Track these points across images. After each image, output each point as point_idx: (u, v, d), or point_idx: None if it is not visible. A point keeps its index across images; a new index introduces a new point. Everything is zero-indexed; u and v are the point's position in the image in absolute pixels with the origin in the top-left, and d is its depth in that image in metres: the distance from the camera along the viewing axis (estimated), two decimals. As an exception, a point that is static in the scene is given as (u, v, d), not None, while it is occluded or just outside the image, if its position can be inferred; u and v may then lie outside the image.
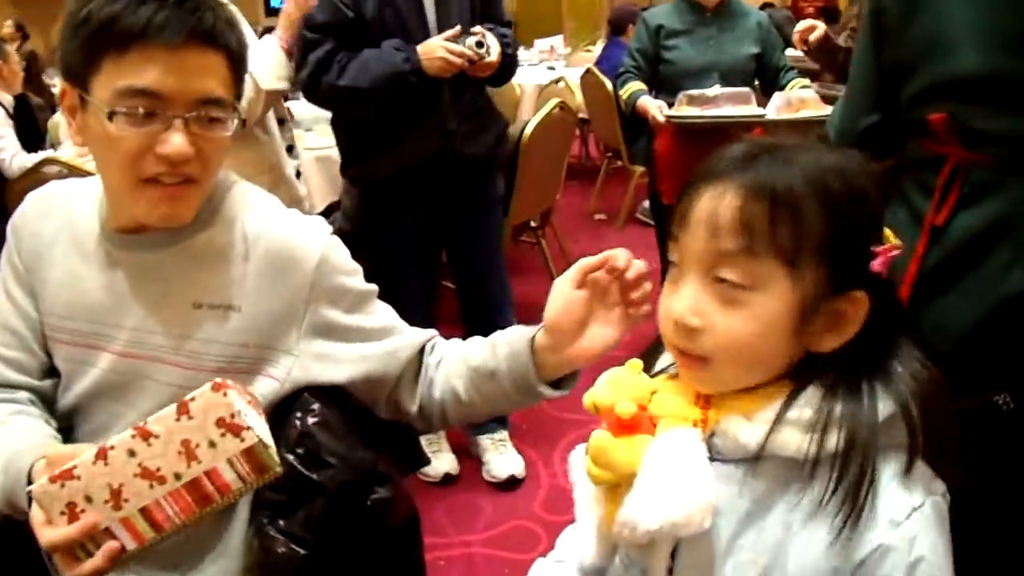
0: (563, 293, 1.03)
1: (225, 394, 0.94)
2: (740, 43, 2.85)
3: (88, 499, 0.94)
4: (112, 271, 1.15)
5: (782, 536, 0.75)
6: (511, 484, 2.57)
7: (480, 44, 2.15)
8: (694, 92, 2.75)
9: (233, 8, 1.14)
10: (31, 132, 4.38)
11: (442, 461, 2.58)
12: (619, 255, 1.00)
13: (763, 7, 4.80)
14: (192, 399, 0.95)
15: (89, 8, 1.01)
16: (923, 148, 1.30)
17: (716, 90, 2.74)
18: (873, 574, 0.73)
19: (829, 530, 0.73)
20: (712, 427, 0.78)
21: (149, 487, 0.94)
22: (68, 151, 3.68)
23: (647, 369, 0.88)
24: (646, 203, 5.25)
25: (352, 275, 1.19)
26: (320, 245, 1.15)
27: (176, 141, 1.02)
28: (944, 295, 1.26)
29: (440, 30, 2.21)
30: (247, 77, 2.06)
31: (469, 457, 2.70)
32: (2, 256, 1.22)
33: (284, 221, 1.18)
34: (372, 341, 1.18)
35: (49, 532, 0.95)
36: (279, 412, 1.14)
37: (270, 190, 1.25)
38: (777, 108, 2.69)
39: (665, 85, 2.92)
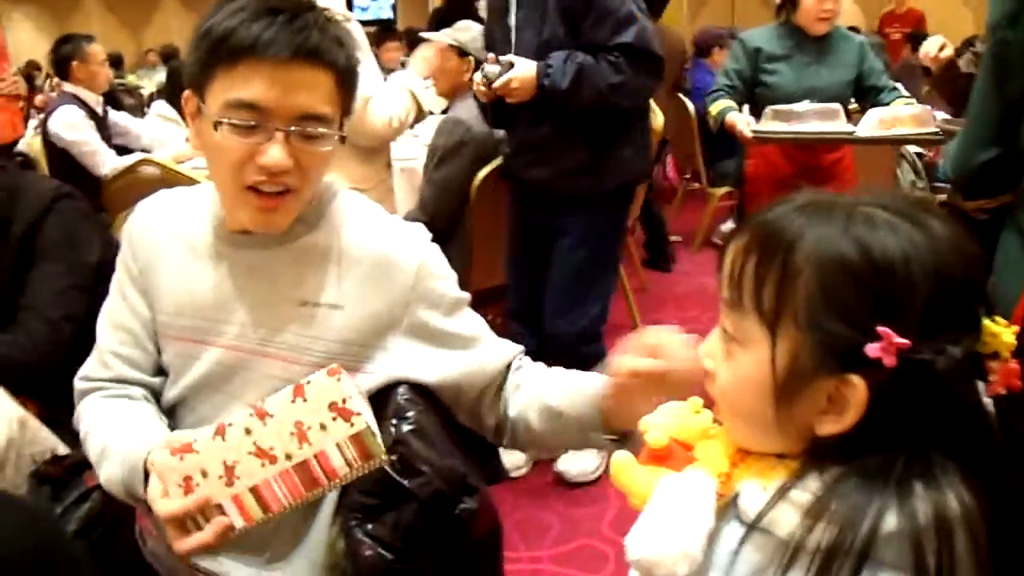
0: (616, 379, 1.05)
1: (339, 379, 0.98)
2: (839, 69, 2.77)
3: (203, 473, 0.98)
4: (223, 269, 1.19)
5: None
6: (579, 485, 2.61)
7: (482, 71, 2.30)
8: (780, 107, 2.69)
9: (351, 26, 1.16)
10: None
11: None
12: (670, 348, 0.98)
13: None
14: (308, 383, 0.99)
15: (211, 23, 1.07)
16: None
17: (805, 105, 2.67)
18: None
19: None
20: (736, 484, 0.74)
21: (261, 466, 0.98)
22: (164, 152, 3.77)
23: None
24: (723, 226, 5.20)
25: (448, 280, 1.23)
26: (420, 251, 1.19)
27: (274, 153, 1.06)
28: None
29: (517, 54, 2.36)
30: (406, 94, 2.38)
31: (541, 472, 2.69)
32: (118, 261, 1.28)
33: (386, 228, 1.21)
34: (463, 349, 1.21)
35: (165, 503, 1.00)
36: (374, 413, 1.15)
37: (377, 202, 1.29)
38: (870, 125, 2.60)
39: (760, 108, 2.86)
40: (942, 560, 0.63)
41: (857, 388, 0.65)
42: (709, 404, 0.82)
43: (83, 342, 1.34)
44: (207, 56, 1.07)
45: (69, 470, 1.32)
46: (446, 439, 1.18)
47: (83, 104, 3.93)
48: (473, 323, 1.25)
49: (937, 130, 2.53)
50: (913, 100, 2.77)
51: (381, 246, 1.18)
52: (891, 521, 0.64)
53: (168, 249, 1.23)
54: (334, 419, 0.98)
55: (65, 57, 4.00)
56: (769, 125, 2.68)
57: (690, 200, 5.68)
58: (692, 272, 4.77)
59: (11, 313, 1.68)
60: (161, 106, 5.33)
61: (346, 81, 1.13)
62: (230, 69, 1.05)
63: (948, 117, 2.68)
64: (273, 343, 1.16)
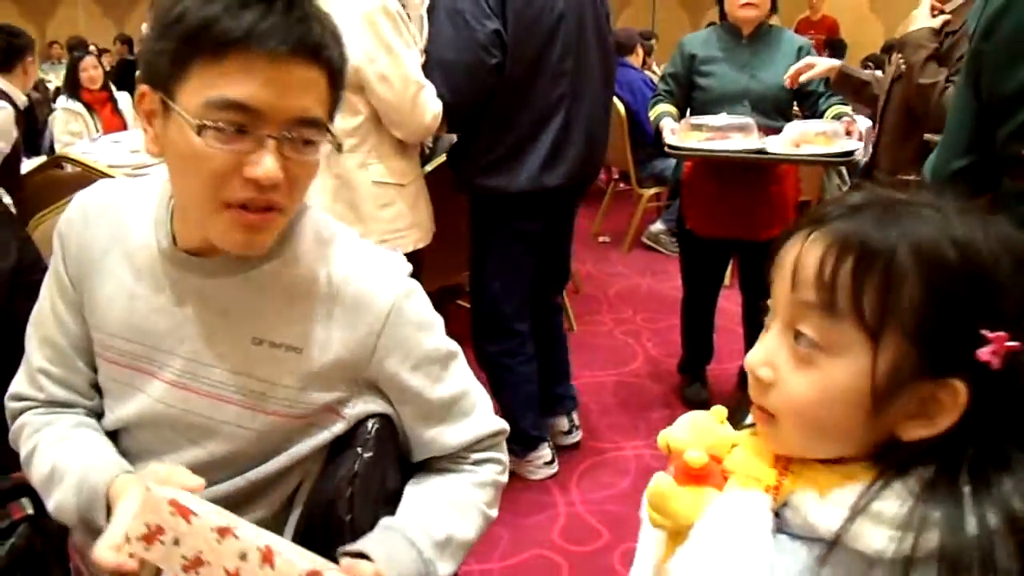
0: None
1: None
2: (775, 69, 2.74)
3: (176, 542, 0.83)
4: (169, 293, 1.05)
5: None
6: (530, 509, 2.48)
7: None
8: (696, 119, 2.68)
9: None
10: (31, 128, 4.26)
11: None
12: None
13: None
14: (330, 571, 0.85)
15: (184, 6, 0.89)
16: (1019, 183, 1.35)
17: (722, 119, 2.65)
18: None
19: None
20: (785, 496, 0.70)
21: None
22: (79, 148, 3.55)
23: (733, 425, 0.81)
24: (652, 227, 5.21)
25: (425, 330, 1.09)
26: (395, 292, 1.05)
27: (267, 164, 0.90)
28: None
29: None
30: (429, 95, 2.19)
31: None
32: (51, 263, 1.13)
33: (359, 260, 1.07)
34: (424, 417, 1.10)
35: (105, 549, 0.85)
36: (343, 445, 1.09)
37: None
38: (783, 142, 2.57)
39: (697, 111, 2.84)
40: None
41: (959, 393, 0.64)
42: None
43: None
44: (182, 46, 0.89)
45: (-10, 502, 1.20)
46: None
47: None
48: (447, 386, 1.10)
49: (848, 149, 2.52)
50: (848, 107, 2.76)
51: (352, 281, 1.03)
52: (993, 520, 0.62)
53: (107, 257, 1.07)
54: None
55: None
56: (684, 138, 2.64)
57: (618, 200, 5.68)
58: (625, 273, 4.77)
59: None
60: (65, 100, 5.08)
61: (338, 83, 0.98)
62: (214, 63, 0.88)
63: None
64: (225, 384, 1.03)
